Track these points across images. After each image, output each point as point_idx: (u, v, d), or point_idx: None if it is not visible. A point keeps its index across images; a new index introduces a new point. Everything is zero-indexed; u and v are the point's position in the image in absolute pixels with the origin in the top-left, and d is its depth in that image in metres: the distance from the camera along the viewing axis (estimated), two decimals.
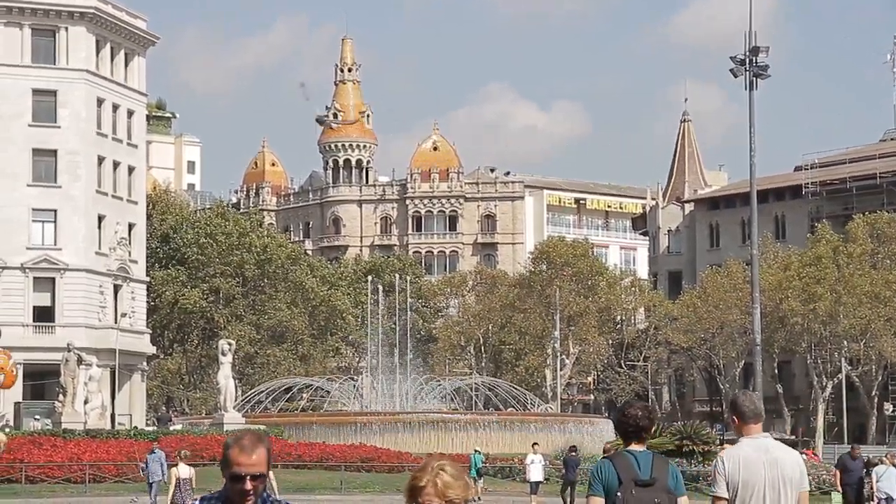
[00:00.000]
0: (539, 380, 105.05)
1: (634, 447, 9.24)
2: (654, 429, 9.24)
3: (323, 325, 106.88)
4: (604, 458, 9.57)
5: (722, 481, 9.60)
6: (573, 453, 43.29)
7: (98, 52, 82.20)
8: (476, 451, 50.12)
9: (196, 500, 6.15)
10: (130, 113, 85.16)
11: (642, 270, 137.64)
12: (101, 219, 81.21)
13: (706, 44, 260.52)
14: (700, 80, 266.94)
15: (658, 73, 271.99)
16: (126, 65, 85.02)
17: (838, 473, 34.80)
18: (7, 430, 56.88)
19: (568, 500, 41.45)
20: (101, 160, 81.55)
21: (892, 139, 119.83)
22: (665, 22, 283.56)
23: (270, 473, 27.17)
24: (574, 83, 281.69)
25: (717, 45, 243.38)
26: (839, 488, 34.60)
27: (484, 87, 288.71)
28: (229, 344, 62.08)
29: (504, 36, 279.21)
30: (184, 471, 31.96)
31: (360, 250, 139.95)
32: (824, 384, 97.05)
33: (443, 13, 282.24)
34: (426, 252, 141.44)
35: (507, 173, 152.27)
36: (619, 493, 9.06)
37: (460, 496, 5.93)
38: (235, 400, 63.39)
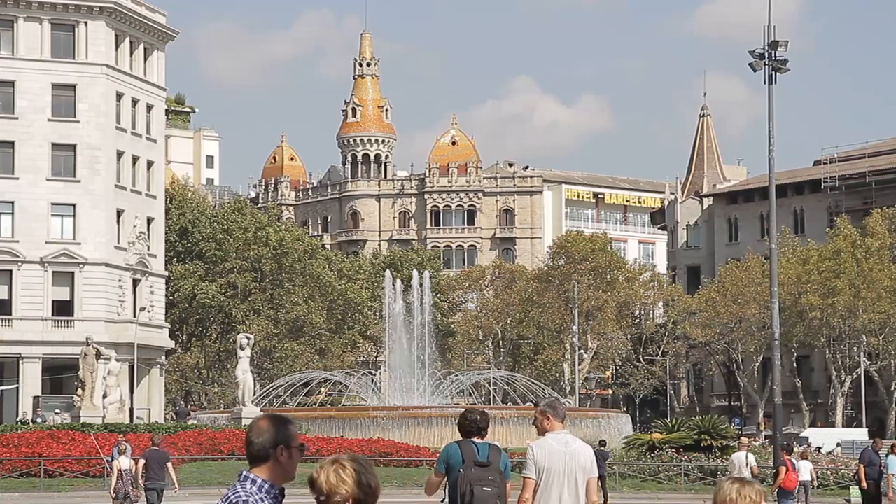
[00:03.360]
0: (557, 374, 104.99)
1: (475, 440, 12.21)
2: (488, 427, 12.40)
3: (340, 319, 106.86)
4: (452, 443, 12.23)
5: (532, 466, 11.82)
6: (602, 447, 43.08)
7: (117, 46, 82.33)
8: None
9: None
10: (150, 107, 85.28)
11: (661, 265, 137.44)
12: (120, 213, 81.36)
13: (730, 35, 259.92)
14: (724, 71, 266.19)
15: (681, 66, 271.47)
16: (145, 59, 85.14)
17: (862, 468, 34.28)
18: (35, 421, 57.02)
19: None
20: (120, 154, 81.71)
21: None
22: (688, 14, 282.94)
23: (169, 465, 27.53)
24: (596, 77, 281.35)
25: (740, 37, 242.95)
26: (864, 483, 33.99)
27: (506, 82, 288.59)
28: (247, 338, 62.14)
29: (526, 31, 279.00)
30: (125, 462, 32.58)
31: (379, 245, 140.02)
32: (843, 379, 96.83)
33: (465, 8, 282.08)
34: (444, 246, 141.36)
35: (526, 168, 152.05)
36: (461, 470, 11.84)
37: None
38: (254, 394, 63.48)
